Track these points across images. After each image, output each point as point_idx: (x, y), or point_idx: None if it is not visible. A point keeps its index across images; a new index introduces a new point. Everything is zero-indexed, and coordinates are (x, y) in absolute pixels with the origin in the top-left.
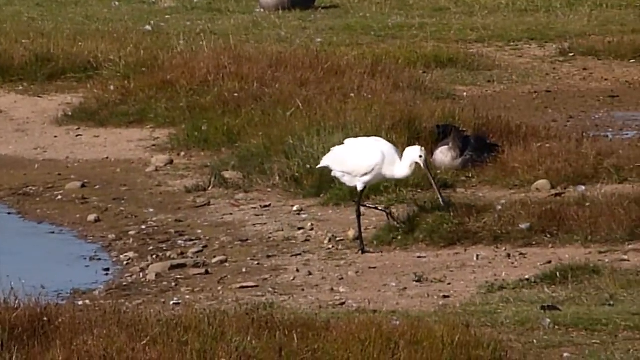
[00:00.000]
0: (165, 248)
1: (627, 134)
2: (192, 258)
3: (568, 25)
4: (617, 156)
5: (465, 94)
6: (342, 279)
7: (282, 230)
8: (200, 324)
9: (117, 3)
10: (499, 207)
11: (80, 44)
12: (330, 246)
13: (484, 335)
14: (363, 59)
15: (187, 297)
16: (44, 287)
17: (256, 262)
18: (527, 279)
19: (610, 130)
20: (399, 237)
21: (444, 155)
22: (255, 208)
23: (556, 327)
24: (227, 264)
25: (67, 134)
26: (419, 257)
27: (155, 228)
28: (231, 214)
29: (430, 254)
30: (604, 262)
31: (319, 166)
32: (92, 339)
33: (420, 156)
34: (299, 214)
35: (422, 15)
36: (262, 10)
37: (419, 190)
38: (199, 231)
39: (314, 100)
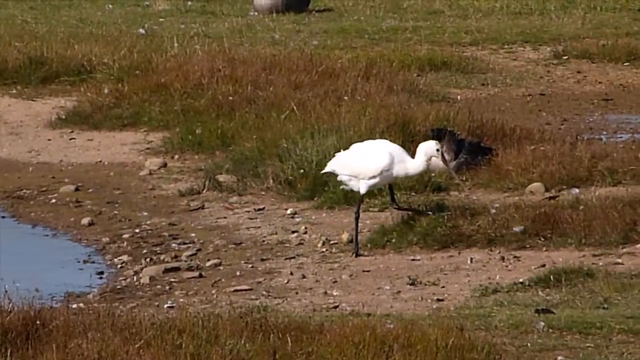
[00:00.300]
0: (159, 251)
1: (621, 137)
2: (186, 261)
3: (562, 28)
4: (611, 159)
5: (459, 97)
6: (336, 282)
7: (276, 234)
8: (194, 327)
9: (110, 6)
10: (493, 210)
11: (74, 47)
12: (324, 249)
13: (478, 339)
14: (357, 62)
15: (181, 300)
16: (38, 290)
17: (250, 266)
18: (521, 282)
19: (604, 133)
20: (393, 240)
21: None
22: (249, 211)
23: (550, 330)
24: (221, 267)
25: (60, 137)
26: (412, 260)
27: (149, 231)
28: (225, 217)
29: (424, 257)
30: (597, 265)
31: (324, 171)
32: (86, 342)
33: (438, 150)
34: (292, 217)
35: (416, 18)
36: (256, 13)
37: (413, 194)
38: (193, 234)
39: (308, 103)
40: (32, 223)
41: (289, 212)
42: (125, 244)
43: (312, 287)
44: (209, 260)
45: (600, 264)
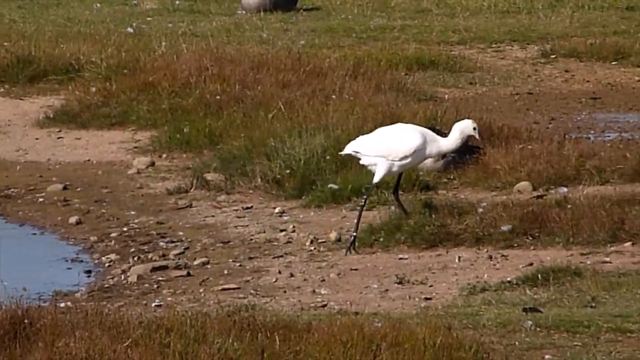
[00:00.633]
0: (147, 250)
1: (608, 136)
2: (173, 260)
3: (550, 27)
4: (599, 158)
5: (447, 96)
6: (324, 280)
7: (264, 232)
8: (182, 326)
9: (98, 5)
10: (481, 209)
11: (61, 46)
12: (312, 248)
13: (466, 337)
14: (345, 61)
15: (169, 299)
16: (26, 289)
17: (238, 264)
18: (509, 281)
19: (592, 132)
20: (381, 239)
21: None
22: (237, 210)
23: (538, 329)
24: (208, 266)
25: (48, 136)
26: (400, 259)
27: (137, 230)
28: (213, 216)
29: (412, 256)
30: (585, 264)
31: (343, 152)
32: (73, 341)
33: (475, 128)
34: (280, 216)
35: (403, 17)
36: (243, 12)
37: (401, 192)
38: (181, 233)
39: (296, 102)
40: (20, 222)
41: (277, 210)
42: (113, 242)
43: (300, 285)
44: (196, 259)
45: (588, 262)
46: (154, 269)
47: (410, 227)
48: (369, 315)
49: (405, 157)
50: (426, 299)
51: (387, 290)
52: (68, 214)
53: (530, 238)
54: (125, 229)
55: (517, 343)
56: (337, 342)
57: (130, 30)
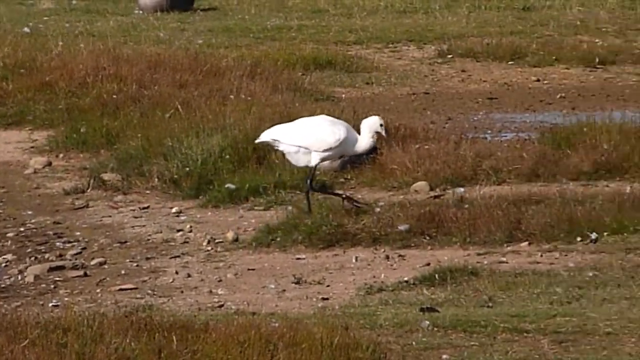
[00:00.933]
0: (43, 250)
1: (505, 136)
2: (70, 260)
3: (446, 27)
4: (496, 158)
5: (344, 95)
6: (221, 281)
7: (161, 232)
8: (79, 326)
9: None
10: (378, 209)
11: None
12: (209, 248)
13: (363, 337)
14: (242, 61)
15: (66, 299)
16: None
17: (135, 264)
18: (406, 281)
19: (489, 132)
20: (278, 239)
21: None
22: (134, 210)
23: (435, 329)
24: (106, 266)
25: None
26: (297, 258)
27: (34, 230)
28: (110, 216)
29: (309, 256)
30: (482, 264)
31: (259, 140)
32: None
33: (381, 125)
34: (177, 216)
35: (300, 17)
36: (140, 11)
37: (298, 192)
38: (78, 233)
39: (193, 102)
40: None
41: (174, 210)
42: (9, 242)
43: (197, 285)
44: (93, 259)
45: (485, 262)
46: (51, 269)
47: (308, 227)
48: (266, 315)
49: (330, 148)
50: (323, 299)
51: (284, 290)
52: None
53: (428, 238)
54: (22, 229)
55: (414, 343)
56: (234, 342)
57: (26, 30)
